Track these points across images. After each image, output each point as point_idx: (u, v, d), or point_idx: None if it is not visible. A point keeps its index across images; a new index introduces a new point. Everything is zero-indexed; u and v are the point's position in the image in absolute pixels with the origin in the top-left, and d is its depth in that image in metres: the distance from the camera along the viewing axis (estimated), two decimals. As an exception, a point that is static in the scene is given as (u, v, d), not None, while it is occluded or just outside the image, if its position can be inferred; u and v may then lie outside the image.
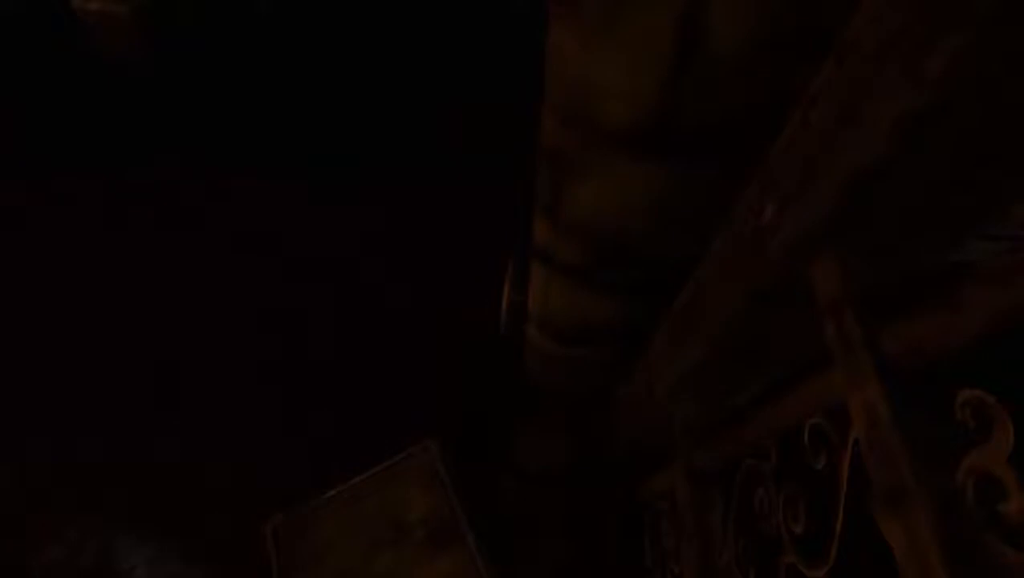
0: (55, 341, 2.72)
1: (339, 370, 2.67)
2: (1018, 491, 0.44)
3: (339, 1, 3.97)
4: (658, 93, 0.84)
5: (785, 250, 0.67)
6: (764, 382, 0.88)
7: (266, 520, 2.37)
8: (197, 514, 2.34)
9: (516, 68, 3.82)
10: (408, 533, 2.42)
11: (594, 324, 1.43)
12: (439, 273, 2.96)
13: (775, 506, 0.76)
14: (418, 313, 2.83)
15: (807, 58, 0.76)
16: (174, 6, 3.66)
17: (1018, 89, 0.43)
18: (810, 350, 0.73)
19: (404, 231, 3.11)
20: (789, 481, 0.74)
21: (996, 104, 0.44)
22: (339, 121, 3.57)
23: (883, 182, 0.51)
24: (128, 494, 2.38)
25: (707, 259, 0.90)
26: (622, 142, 0.92)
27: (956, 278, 0.56)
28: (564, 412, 2.00)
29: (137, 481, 2.41)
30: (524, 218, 3.15)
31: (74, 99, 3.58)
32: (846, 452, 0.60)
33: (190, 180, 3.28)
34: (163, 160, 3.35)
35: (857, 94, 0.51)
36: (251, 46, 3.81)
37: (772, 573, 0.77)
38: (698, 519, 1.03)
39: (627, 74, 0.84)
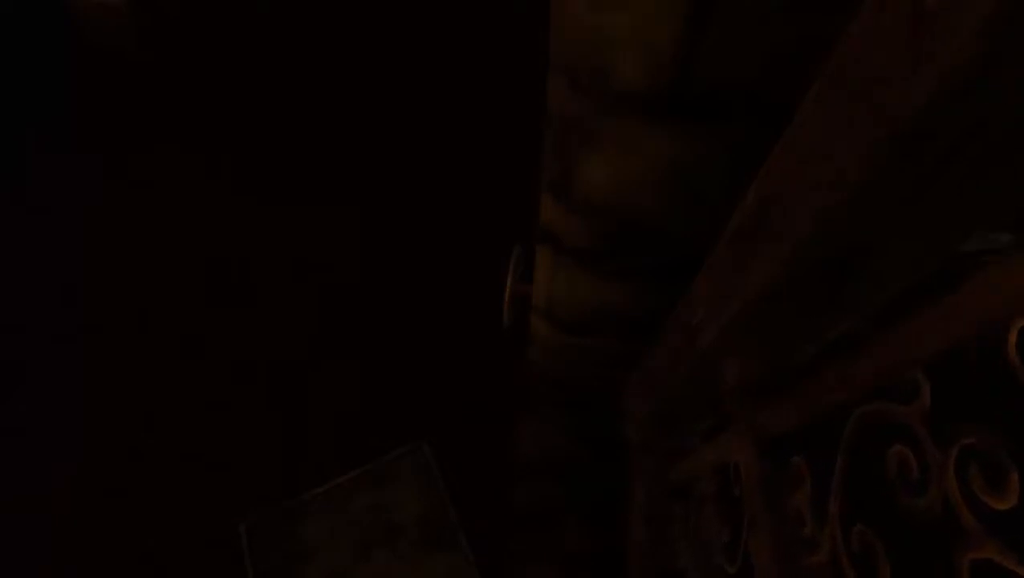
0: (45, 334, 2.61)
1: (336, 369, 2.60)
2: None
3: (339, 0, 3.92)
4: (673, 46, 0.71)
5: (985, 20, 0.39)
6: (883, 294, 0.60)
7: (243, 519, 2.25)
8: (172, 513, 2.24)
9: (516, 66, 3.78)
10: (401, 534, 2.29)
11: (603, 311, 1.32)
12: (438, 272, 2.92)
13: (938, 469, 0.48)
14: (417, 311, 2.78)
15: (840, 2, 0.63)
16: None
17: None
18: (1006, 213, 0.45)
19: (404, 230, 3.08)
20: (967, 429, 0.46)
21: None
22: (339, 120, 3.51)
23: None
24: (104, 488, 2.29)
25: (799, 118, 0.63)
26: (636, 104, 0.82)
27: None
28: (568, 404, 1.84)
29: (114, 475, 2.32)
30: (529, 204, 3.13)
31: (70, 91, 3.47)
32: None
33: (190, 177, 3.20)
34: (161, 152, 3.27)
35: None
36: (250, 44, 3.75)
37: (933, 574, 0.49)
38: (774, 501, 0.75)
39: (640, 26, 0.72)
